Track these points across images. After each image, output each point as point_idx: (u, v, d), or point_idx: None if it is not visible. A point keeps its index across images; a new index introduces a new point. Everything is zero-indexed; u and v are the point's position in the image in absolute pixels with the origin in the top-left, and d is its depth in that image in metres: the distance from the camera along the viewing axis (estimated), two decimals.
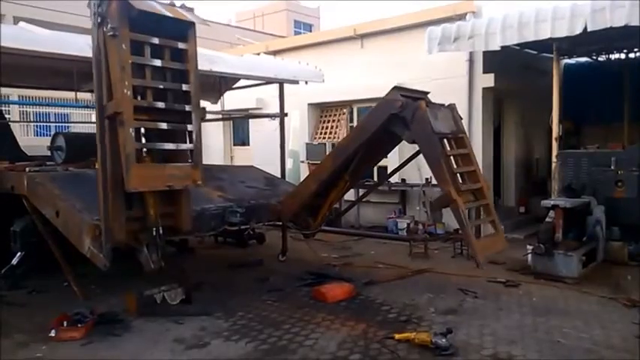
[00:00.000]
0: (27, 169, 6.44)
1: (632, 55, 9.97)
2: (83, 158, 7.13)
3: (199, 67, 5.07)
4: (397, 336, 4.66)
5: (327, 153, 10.02)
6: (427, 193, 9.55)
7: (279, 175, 8.59)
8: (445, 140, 5.48)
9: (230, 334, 4.96)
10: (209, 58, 6.91)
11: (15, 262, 6.39)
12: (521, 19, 7.53)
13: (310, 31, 36.57)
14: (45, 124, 16.56)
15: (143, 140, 4.90)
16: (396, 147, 6.87)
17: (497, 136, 10.85)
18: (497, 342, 4.68)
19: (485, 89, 9.71)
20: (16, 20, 13.27)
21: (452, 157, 5.47)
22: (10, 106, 14.17)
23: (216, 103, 10.07)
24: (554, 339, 4.72)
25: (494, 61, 9.28)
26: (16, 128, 12.12)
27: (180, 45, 4.86)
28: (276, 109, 8.78)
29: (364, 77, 10.93)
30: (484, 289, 6.32)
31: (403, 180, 10.31)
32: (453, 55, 9.27)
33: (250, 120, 13.31)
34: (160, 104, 4.77)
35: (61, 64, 6.67)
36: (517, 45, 8.04)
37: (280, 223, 7.45)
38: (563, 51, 8.46)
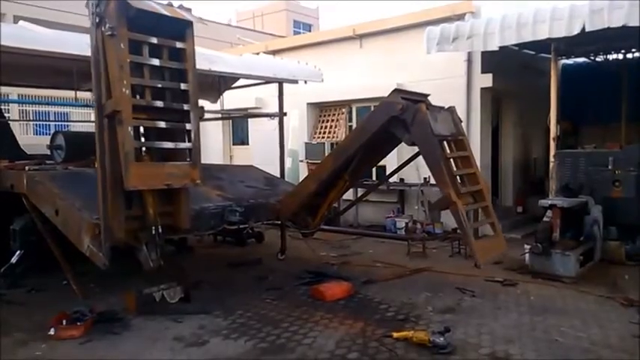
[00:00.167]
0: (26, 167, 6.45)
1: (630, 56, 10.01)
2: (83, 157, 7.14)
3: (199, 67, 5.10)
4: (395, 334, 4.68)
5: (327, 153, 10.05)
6: (425, 193, 9.57)
7: (278, 175, 8.61)
8: (445, 143, 5.50)
9: (229, 333, 4.98)
10: (208, 58, 6.93)
11: (14, 261, 6.40)
12: (520, 20, 7.54)
13: (310, 31, 36.56)
14: (44, 122, 16.53)
15: (142, 139, 4.91)
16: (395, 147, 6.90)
17: (495, 136, 10.87)
18: (494, 341, 4.70)
19: (483, 89, 9.73)
20: (16, 19, 13.27)
21: (452, 160, 5.48)
22: (10, 104, 14.15)
23: (215, 102, 10.08)
24: (552, 338, 4.74)
25: (493, 61, 9.30)
26: (15, 127, 12.11)
27: (179, 44, 4.87)
28: (275, 109, 8.79)
29: (363, 77, 10.95)
30: (482, 288, 6.34)
31: (402, 179, 10.33)
32: (452, 55, 9.28)
33: (249, 119, 13.32)
34: (159, 103, 4.78)
35: (61, 63, 6.68)
36: (515, 45, 8.05)
37: (279, 222, 7.46)
38: (561, 51, 8.47)
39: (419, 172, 9.36)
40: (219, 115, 11.49)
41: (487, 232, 6.37)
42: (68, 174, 6.50)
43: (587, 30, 6.92)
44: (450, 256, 8.17)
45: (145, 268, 4.95)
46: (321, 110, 12.42)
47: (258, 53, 11.26)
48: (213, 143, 13.72)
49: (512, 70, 9.83)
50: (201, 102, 6.34)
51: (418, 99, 5.71)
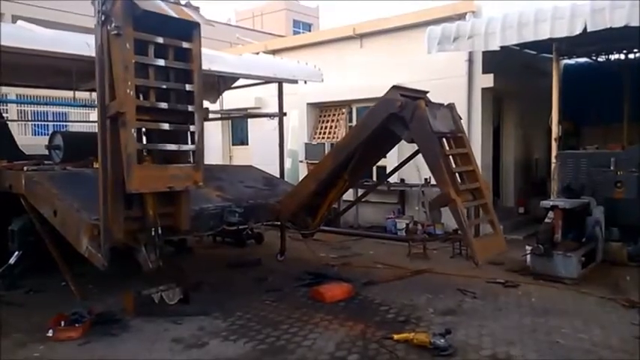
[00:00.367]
0: (25, 168, 6.42)
1: (631, 56, 9.98)
2: (81, 157, 7.12)
3: None
4: (396, 336, 4.65)
5: (326, 152, 10.01)
6: (426, 194, 9.54)
7: (277, 175, 8.58)
8: (444, 139, 5.48)
9: (228, 334, 4.94)
10: (208, 58, 6.88)
11: (13, 262, 6.37)
12: (521, 19, 7.52)
13: (309, 30, 36.58)
14: (43, 123, 16.51)
15: (144, 140, 4.87)
16: (396, 147, 6.87)
17: (496, 137, 10.85)
18: (495, 342, 4.67)
19: (484, 89, 9.70)
20: (15, 19, 13.24)
21: (451, 157, 5.47)
22: (8, 104, 14.12)
23: (215, 102, 10.05)
24: (553, 339, 4.72)
25: (494, 61, 9.27)
26: (14, 127, 12.08)
27: (185, 44, 4.82)
28: (275, 109, 8.76)
29: (363, 77, 10.92)
30: (483, 289, 6.31)
31: (402, 180, 10.31)
32: (453, 55, 9.26)
33: (249, 119, 13.31)
34: (163, 105, 4.73)
35: (60, 63, 6.65)
36: (516, 45, 8.03)
37: (279, 223, 7.43)
38: (562, 51, 8.45)
39: (419, 172, 9.34)
40: (219, 116, 11.46)
41: (488, 231, 6.34)
42: (67, 174, 6.47)
43: (588, 30, 6.90)
44: (451, 258, 8.14)
45: (143, 270, 4.92)
46: (321, 110, 12.40)
47: (257, 53, 11.23)
48: (212, 143, 13.70)
49: (514, 70, 9.80)
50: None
51: (417, 96, 5.70)
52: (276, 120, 8.63)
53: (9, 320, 5.33)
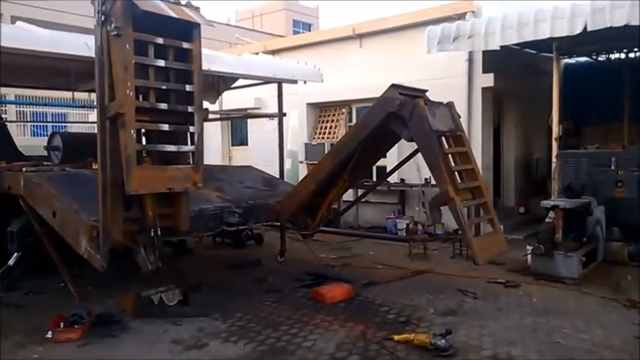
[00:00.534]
0: (24, 169, 6.41)
1: (632, 55, 9.96)
2: (80, 158, 7.10)
3: None
4: (396, 337, 4.63)
5: (326, 152, 9.99)
6: (426, 193, 9.52)
7: (277, 176, 8.56)
8: (443, 138, 5.46)
9: (228, 335, 4.93)
10: (207, 58, 6.86)
11: (12, 263, 6.35)
12: (521, 19, 7.51)
13: (309, 30, 36.58)
14: (42, 123, 16.51)
15: (144, 141, 4.86)
16: (395, 147, 6.86)
17: (496, 136, 10.84)
18: (496, 343, 4.65)
19: (484, 89, 9.69)
20: (14, 20, 13.23)
21: (450, 155, 5.45)
22: (7, 105, 14.13)
23: (214, 102, 10.04)
24: (554, 340, 4.70)
25: (494, 60, 9.26)
26: (12, 128, 12.08)
27: (185, 45, 4.80)
28: (274, 109, 8.75)
29: (363, 77, 10.90)
30: (484, 289, 6.29)
31: (402, 180, 10.29)
32: (453, 55, 9.25)
33: (249, 120, 13.29)
34: (163, 105, 4.71)
35: (59, 64, 6.64)
36: (516, 45, 8.02)
37: (278, 224, 7.41)
38: (563, 51, 8.43)
39: (420, 172, 9.32)
40: (219, 116, 11.45)
41: (489, 231, 6.31)
42: (66, 175, 6.45)
43: (589, 29, 6.89)
44: (452, 258, 8.13)
45: (143, 271, 4.89)
46: (321, 110, 12.39)
47: (257, 53, 11.21)
48: (212, 144, 13.68)
49: (514, 70, 9.79)
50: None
51: (416, 94, 5.68)
52: (275, 120, 8.62)
53: (8, 321, 5.32)
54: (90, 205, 4.90)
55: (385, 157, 7.89)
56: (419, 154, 5.74)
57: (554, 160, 8.23)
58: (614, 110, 10.23)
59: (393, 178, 9.48)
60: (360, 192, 9.13)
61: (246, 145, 13.96)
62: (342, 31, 11.69)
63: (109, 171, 4.64)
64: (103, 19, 4.47)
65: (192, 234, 6.43)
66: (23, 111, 16.04)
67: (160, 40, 4.65)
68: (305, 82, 8.70)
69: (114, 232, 4.71)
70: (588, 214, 7.32)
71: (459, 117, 5.80)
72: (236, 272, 7.38)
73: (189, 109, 4.85)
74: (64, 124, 15.83)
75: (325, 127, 12.17)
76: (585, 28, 6.90)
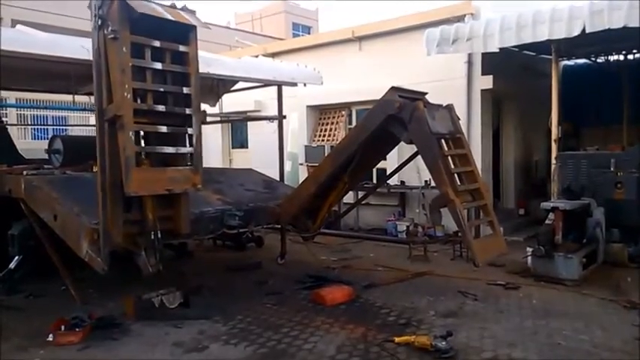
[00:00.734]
0: (24, 172, 6.40)
1: (630, 57, 9.99)
2: (81, 161, 7.10)
3: None
4: (397, 339, 4.64)
5: (326, 155, 10.00)
6: (426, 196, 9.52)
7: (277, 178, 8.57)
8: (443, 140, 5.47)
9: (229, 338, 4.93)
10: (207, 61, 6.89)
11: (13, 266, 6.36)
12: (520, 21, 7.53)
13: (309, 33, 36.55)
14: (42, 127, 16.50)
15: (142, 143, 4.88)
16: (395, 149, 6.87)
17: (496, 138, 10.84)
18: (497, 344, 4.66)
19: (483, 91, 9.69)
20: (14, 23, 13.25)
21: (449, 158, 5.46)
22: (8, 109, 14.13)
23: (214, 105, 10.05)
24: (555, 341, 4.71)
25: (493, 63, 9.27)
26: (13, 131, 12.08)
27: (182, 48, 4.83)
28: (274, 112, 8.76)
29: (363, 79, 10.91)
30: (484, 291, 6.30)
31: (402, 182, 10.30)
32: (452, 57, 9.25)
33: (249, 122, 13.30)
34: (160, 107, 4.74)
35: (59, 67, 6.64)
36: (515, 47, 8.03)
37: (279, 226, 7.42)
38: (561, 52, 8.45)
39: (420, 174, 9.32)
40: (219, 119, 11.46)
41: (488, 232, 6.32)
42: (66, 178, 6.45)
43: (587, 31, 6.90)
44: (452, 260, 8.13)
45: (143, 274, 4.91)
46: (321, 113, 12.40)
47: (257, 56, 11.25)
48: (212, 146, 13.70)
49: (513, 72, 9.80)
50: (201, 105, 6.29)
51: (416, 97, 5.70)
52: (275, 123, 8.63)
53: (9, 325, 5.32)
54: (91, 208, 4.92)
55: (385, 159, 7.90)
56: (419, 157, 5.74)
57: (553, 161, 8.24)
58: (613, 112, 10.25)
59: (393, 181, 9.48)
60: (361, 194, 9.16)
61: (247, 147, 13.98)
62: (342, 33, 11.70)
63: (109, 173, 4.66)
64: (100, 22, 4.51)
65: (193, 237, 6.43)
66: (24, 114, 16.03)
67: (157, 43, 4.69)
68: (305, 85, 8.71)
69: (114, 234, 4.72)
70: (588, 216, 7.32)
71: (459, 119, 5.81)
72: (237, 275, 7.38)
73: (187, 111, 4.88)
74: (64, 127, 15.84)
75: (325, 130, 12.18)
76: (584, 29, 6.91)
